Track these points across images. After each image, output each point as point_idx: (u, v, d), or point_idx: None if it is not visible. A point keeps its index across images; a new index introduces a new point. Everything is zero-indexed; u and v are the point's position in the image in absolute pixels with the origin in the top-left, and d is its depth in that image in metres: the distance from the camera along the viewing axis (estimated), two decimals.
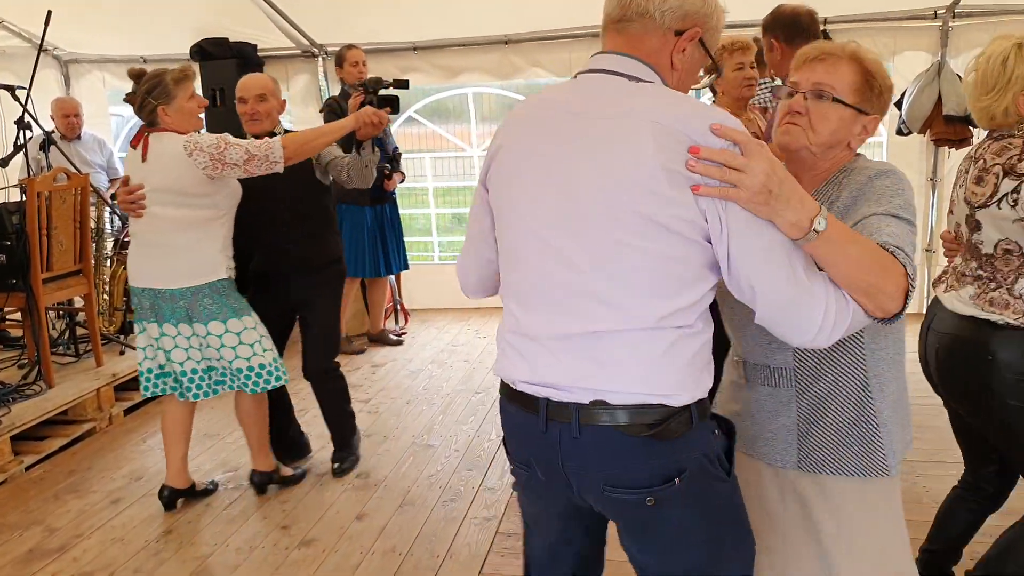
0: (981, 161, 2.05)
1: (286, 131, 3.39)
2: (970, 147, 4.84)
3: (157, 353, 3.16)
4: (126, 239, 5.74)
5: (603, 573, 1.75)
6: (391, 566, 2.87)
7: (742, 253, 1.30)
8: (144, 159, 2.95)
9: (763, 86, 3.71)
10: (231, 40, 6.09)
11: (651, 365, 1.34)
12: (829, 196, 1.60)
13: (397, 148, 5.47)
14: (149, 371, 3.21)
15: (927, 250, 5.74)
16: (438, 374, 5.04)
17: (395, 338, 5.76)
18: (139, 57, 6.52)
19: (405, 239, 5.64)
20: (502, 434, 1.61)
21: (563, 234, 1.36)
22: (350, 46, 5.24)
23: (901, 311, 1.36)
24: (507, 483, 3.46)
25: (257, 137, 3.32)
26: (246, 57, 6.10)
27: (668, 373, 1.35)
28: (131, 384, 4.59)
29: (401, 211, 5.59)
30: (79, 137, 5.94)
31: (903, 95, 5.12)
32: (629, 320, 1.33)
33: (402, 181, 5.48)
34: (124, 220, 5.88)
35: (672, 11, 1.38)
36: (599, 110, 1.35)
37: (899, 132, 5.23)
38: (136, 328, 3.19)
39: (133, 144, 3.02)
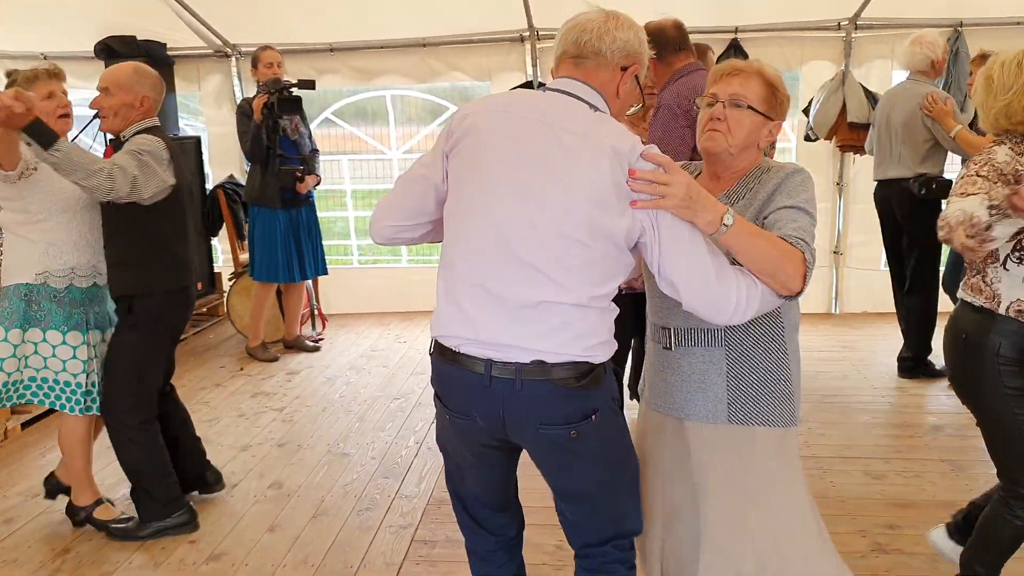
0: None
1: (143, 131, 2.96)
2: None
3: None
4: None
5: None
6: None
7: (669, 253, 1.65)
8: None
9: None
10: (139, 38, 5.88)
11: (582, 332, 1.69)
12: (751, 189, 1.89)
13: (316, 149, 5.36)
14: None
15: (835, 252, 5.94)
16: (356, 380, 4.96)
17: (312, 344, 5.65)
18: (39, 54, 6.23)
19: (324, 243, 5.53)
20: (428, 429, 1.64)
21: (525, 221, 1.66)
22: (265, 47, 5.14)
23: (801, 290, 1.71)
24: (424, 490, 3.43)
25: (106, 135, 3.12)
26: (155, 56, 5.88)
27: (593, 339, 1.71)
28: None
29: (319, 214, 5.49)
30: None
31: (810, 103, 5.29)
32: (568, 296, 1.66)
33: (317, 184, 5.35)
34: None
35: (619, 50, 1.74)
36: (569, 126, 1.68)
37: (807, 138, 5.40)
38: None
39: None
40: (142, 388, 3.05)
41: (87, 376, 2.99)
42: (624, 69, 1.76)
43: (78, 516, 3.17)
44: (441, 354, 1.79)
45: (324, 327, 6.07)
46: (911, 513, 3.09)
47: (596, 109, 1.72)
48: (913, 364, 4.61)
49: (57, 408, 3.02)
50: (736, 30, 5.44)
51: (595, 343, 1.71)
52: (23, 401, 3.03)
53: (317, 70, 6.12)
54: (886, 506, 3.15)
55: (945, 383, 4.42)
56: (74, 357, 2.96)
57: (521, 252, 1.65)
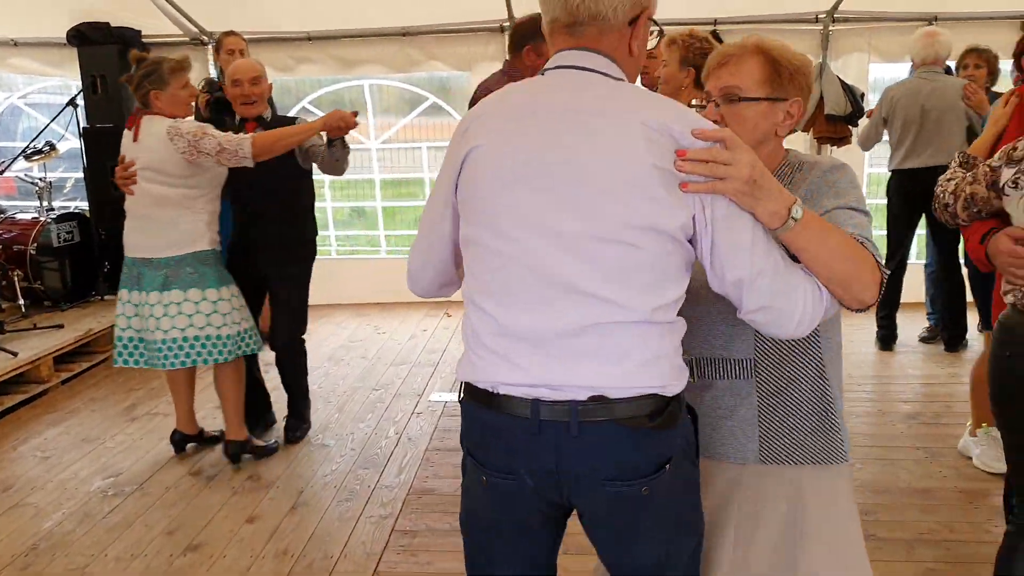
0: None
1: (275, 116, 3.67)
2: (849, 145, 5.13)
3: (131, 321, 3.41)
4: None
5: None
6: (283, 569, 2.79)
7: (727, 247, 1.32)
8: (136, 139, 3.26)
9: None
10: (112, 25, 5.79)
11: (648, 357, 1.35)
12: None
13: None
14: (128, 339, 3.45)
15: None
16: (335, 372, 4.94)
17: None
18: (10, 40, 6.13)
19: None
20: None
21: (559, 232, 1.33)
22: (228, 33, 4.98)
23: (874, 303, 1.39)
24: (404, 481, 3.42)
25: (246, 120, 3.56)
26: (129, 43, 5.80)
27: (662, 364, 1.37)
28: (1, 388, 4.33)
29: None
30: None
31: None
32: (625, 314, 1.33)
33: None
34: None
35: (622, 5, 1.36)
36: (589, 107, 1.34)
37: None
38: (119, 296, 3.45)
39: (127, 126, 3.31)
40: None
41: (237, 324, 3.45)
42: (633, 23, 1.39)
43: (240, 451, 3.61)
44: (473, 397, 1.45)
45: None
46: (886, 499, 3.13)
47: (611, 78, 1.38)
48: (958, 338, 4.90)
49: (221, 360, 3.42)
50: (715, 22, 5.45)
51: (667, 369, 1.37)
52: (178, 364, 3.37)
53: (295, 59, 6.06)
54: (861, 492, 3.17)
55: (923, 372, 4.55)
56: (215, 311, 3.37)
57: (558, 276, 1.33)
